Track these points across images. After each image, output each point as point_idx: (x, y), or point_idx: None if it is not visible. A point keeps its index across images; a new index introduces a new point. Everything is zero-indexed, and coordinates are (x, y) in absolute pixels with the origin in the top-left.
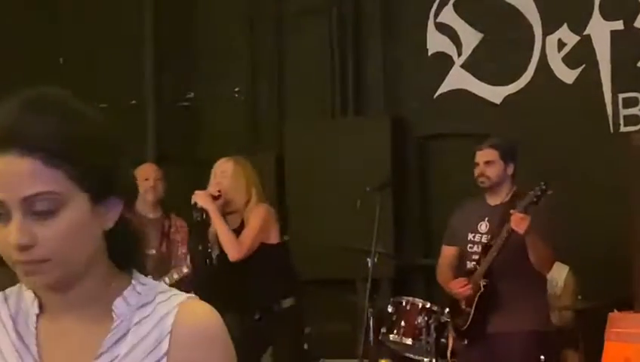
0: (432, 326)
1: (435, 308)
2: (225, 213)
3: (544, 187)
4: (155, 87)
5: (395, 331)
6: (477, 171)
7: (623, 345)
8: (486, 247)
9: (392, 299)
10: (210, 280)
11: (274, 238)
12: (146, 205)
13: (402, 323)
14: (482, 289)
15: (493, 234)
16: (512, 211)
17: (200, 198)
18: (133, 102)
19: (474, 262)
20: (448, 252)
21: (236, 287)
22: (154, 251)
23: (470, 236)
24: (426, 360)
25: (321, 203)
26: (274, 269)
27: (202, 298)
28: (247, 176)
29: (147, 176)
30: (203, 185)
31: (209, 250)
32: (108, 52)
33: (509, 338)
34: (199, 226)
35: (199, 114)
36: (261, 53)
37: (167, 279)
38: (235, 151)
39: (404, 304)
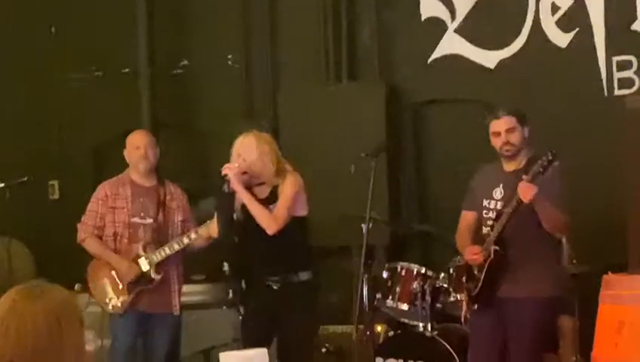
0: (428, 292)
1: (430, 274)
2: (253, 185)
3: (551, 157)
4: (148, 54)
5: (390, 297)
6: (500, 140)
7: (617, 306)
8: (499, 214)
9: (387, 265)
10: (234, 250)
11: (302, 210)
12: (137, 173)
13: (397, 289)
14: (492, 256)
15: (507, 201)
16: (521, 183)
17: (231, 175)
18: (127, 70)
19: (488, 228)
20: (467, 216)
21: (259, 257)
22: (151, 220)
23: (485, 202)
24: (421, 325)
25: (315, 169)
26: (297, 241)
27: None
28: (271, 147)
29: (138, 145)
30: (198, 152)
31: (235, 220)
32: (100, 20)
33: (519, 305)
34: (226, 196)
35: (193, 81)
36: (255, 20)
37: (175, 245)
38: (230, 118)
39: (399, 270)
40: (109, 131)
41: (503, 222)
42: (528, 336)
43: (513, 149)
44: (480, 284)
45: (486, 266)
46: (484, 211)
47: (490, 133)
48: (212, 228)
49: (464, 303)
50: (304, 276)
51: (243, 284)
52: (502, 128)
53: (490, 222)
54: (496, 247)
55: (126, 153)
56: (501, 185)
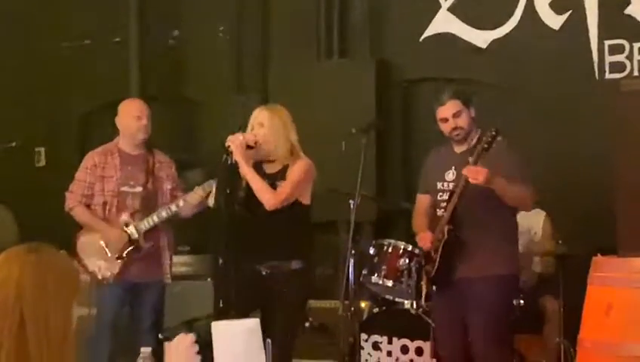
0: (413, 269)
1: (416, 251)
2: (265, 161)
3: (494, 133)
4: (139, 25)
5: (376, 273)
6: (448, 126)
7: (606, 289)
8: (451, 195)
9: (373, 242)
10: (231, 225)
11: (306, 198)
12: (130, 142)
13: (383, 266)
14: (446, 236)
15: (457, 182)
16: (467, 166)
17: (234, 147)
18: (118, 39)
19: (442, 210)
20: (422, 199)
21: (254, 239)
22: (140, 188)
23: (439, 185)
24: (406, 302)
25: (304, 145)
26: (295, 229)
27: (221, 241)
28: (286, 124)
29: (138, 114)
30: (187, 123)
31: (235, 193)
32: None
33: (474, 283)
34: (229, 169)
35: (184, 53)
36: None
37: (163, 213)
38: (219, 90)
39: (385, 246)
40: (97, 100)
41: (454, 201)
42: (485, 315)
43: (462, 133)
44: (436, 265)
45: (440, 247)
46: (439, 194)
47: (437, 119)
48: (200, 196)
49: (423, 285)
50: (295, 265)
51: (220, 262)
52: (448, 113)
53: (443, 204)
54: (450, 226)
55: (121, 121)
56: (453, 168)
